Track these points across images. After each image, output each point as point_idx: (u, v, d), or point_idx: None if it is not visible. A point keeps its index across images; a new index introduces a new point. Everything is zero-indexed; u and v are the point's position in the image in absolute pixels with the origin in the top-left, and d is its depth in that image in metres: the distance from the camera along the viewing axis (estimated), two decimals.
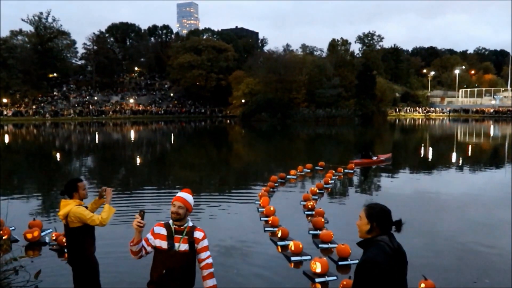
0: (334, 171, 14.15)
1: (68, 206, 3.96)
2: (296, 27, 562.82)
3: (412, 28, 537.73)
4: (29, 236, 7.06)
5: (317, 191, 10.99)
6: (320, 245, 6.89)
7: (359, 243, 2.61)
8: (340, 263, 6.13)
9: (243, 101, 63.57)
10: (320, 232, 7.28)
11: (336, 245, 6.55)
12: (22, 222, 7.78)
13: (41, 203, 10.75)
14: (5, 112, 61.26)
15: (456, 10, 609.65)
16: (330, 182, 12.45)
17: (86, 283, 4.02)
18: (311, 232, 7.64)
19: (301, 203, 9.81)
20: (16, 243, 6.98)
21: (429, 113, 78.59)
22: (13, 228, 7.50)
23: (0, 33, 67.98)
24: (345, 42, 70.23)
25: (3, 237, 6.73)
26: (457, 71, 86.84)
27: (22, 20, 70.11)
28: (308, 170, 14.85)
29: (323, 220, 7.96)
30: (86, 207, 4.08)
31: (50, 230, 7.56)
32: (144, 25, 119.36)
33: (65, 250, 5.20)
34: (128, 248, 3.22)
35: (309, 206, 9.19)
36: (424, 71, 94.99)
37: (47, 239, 7.20)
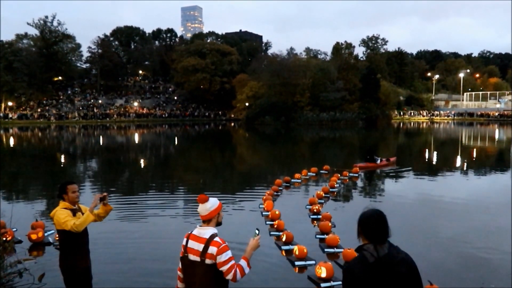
0: (339, 175, 14.07)
1: (56, 208, 3.91)
2: (300, 30, 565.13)
3: (416, 31, 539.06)
4: (33, 237, 7.08)
5: (323, 195, 10.90)
6: (326, 250, 6.82)
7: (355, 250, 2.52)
8: None
9: (247, 104, 63.64)
10: (326, 237, 7.22)
11: (342, 250, 6.49)
12: (24, 224, 7.79)
13: (42, 205, 10.72)
14: (10, 115, 61.69)
15: (460, 13, 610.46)
16: (335, 186, 12.37)
17: None
18: (318, 236, 7.57)
19: (307, 207, 9.73)
20: (19, 244, 6.99)
21: (434, 117, 78.30)
22: (15, 229, 7.51)
23: (0, 35, 68.84)
24: (349, 46, 69.94)
25: (7, 239, 6.73)
26: (461, 75, 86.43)
27: (28, 23, 70.88)
28: (313, 174, 14.75)
29: (330, 224, 7.89)
30: (74, 211, 3.90)
31: (53, 231, 7.56)
32: (148, 29, 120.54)
33: None
34: (243, 275, 3.01)
35: (315, 210, 9.12)
36: (429, 74, 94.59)
37: (50, 240, 7.23)
